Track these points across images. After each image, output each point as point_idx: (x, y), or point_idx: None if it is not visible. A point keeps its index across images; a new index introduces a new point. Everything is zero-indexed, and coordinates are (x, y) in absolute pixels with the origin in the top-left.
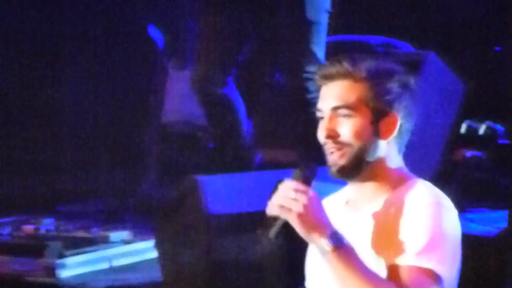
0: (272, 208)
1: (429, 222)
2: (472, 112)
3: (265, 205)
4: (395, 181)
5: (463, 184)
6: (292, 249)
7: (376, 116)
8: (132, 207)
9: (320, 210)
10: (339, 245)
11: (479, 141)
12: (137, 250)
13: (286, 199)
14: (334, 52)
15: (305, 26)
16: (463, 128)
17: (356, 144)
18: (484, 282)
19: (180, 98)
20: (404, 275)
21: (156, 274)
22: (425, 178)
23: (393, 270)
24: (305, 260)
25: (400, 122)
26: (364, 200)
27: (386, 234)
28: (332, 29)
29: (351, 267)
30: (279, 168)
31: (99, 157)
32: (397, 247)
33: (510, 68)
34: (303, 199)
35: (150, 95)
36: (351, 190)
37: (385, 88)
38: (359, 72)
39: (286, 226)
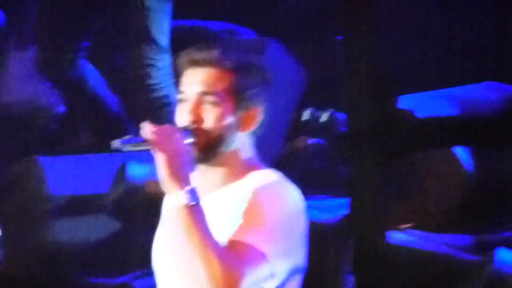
0: (147, 132)
1: (265, 203)
2: (315, 100)
3: (107, 187)
4: (245, 170)
5: (305, 171)
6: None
7: (240, 108)
8: None
9: (187, 165)
10: (195, 203)
11: (321, 129)
12: None
13: (166, 133)
14: (178, 37)
15: (147, 13)
16: (306, 115)
17: (217, 132)
18: (324, 268)
19: (21, 78)
20: (235, 249)
21: None
22: (267, 165)
23: (228, 244)
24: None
25: (259, 115)
26: (212, 186)
27: (228, 218)
28: (175, 14)
29: (199, 227)
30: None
31: None
32: (235, 226)
33: (352, 58)
34: (180, 142)
35: None
36: (200, 174)
37: (251, 82)
38: (228, 62)
39: (143, 148)
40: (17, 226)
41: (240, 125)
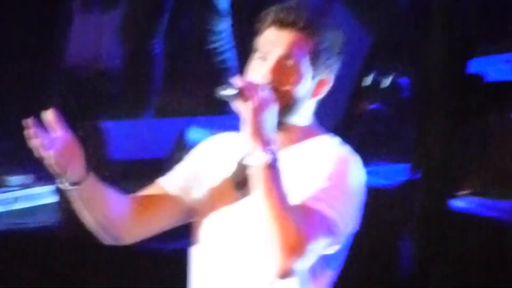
0: (241, 83)
1: (330, 171)
2: (379, 64)
3: (166, 152)
4: (306, 134)
5: (365, 136)
6: None
7: (317, 74)
8: (31, 151)
9: (272, 125)
10: (274, 164)
11: (383, 94)
12: (36, 194)
13: (256, 88)
14: None
15: None
16: (368, 80)
17: (292, 96)
18: (384, 233)
19: (88, 39)
20: (304, 213)
21: (56, 219)
22: (327, 130)
23: (297, 208)
24: None
25: (331, 83)
26: (275, 146)
27: (293, 179)
28: None
29: (277, 188)
30: (180, 116)
31: None
32: (301, 190)
33: (418, 21)
34: (268, 98)
35: (54, 36)
36: None
37: (331, 50)
38: (315, 30)
39: (235, 98)
40: None
41: (313, 91)
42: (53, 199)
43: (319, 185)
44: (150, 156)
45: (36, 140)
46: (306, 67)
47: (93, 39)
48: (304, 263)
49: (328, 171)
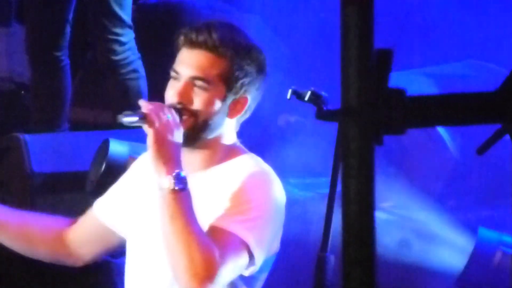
0: (145, 108)
1: (247, 192)
2: (297, 78)
3: (88, 165)
4: (227, 155)
5: (287, 149)
6: None
7: (230, 95)
8: None
9: (178, 148)
10: (182, 188)
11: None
12: None
13: (160, 110)
14: (161, 14)
15: None
16: (288, 94)
17: (203, 117)
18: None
19: (2, 54)
20: (216, 236)
21: None
22: (248, 149)
23: (210, 230)
24: None
25: (249, 103)
26: (192, 168)
27: (210, 201)
28: None
29: (183, 212)
30: (99, 129)
31: None
32: (217, 211)
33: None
34: (175, 123)
35: None
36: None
37: (245, 70)
38: (226, 50)
39: (140, 122)
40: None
41: (228, 111)
42: None
43: (235, 206)
44: (71, 169)
45: None
46: (217, 88)
47: (6, 55)
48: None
49: (245, 192)
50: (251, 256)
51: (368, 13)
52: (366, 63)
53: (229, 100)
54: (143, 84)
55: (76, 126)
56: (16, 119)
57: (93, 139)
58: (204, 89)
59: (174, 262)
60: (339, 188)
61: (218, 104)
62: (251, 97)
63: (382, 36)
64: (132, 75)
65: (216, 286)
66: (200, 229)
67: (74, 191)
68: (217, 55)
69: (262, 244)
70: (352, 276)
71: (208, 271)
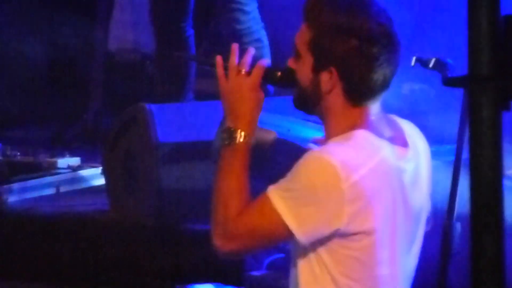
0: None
1: (295, 168)
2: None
3: (213, 134)
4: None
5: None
6: None
7: (318, 66)
8: (79, 134)
9: (256, 106)
10: (227, 144)
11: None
12: (84, 177)
13: (236, 69)
14: None
15: None
16: (412, 62)
17: (299, 83)
18: None
19: (128, 25)
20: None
21: (103, 201)
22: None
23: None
24: None
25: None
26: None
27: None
28: None
29: (221, 167)
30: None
31: (43, 83)
32: None
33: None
34: (250, 81)
35: (96, 21)
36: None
37: (332, 43)
38: (320, 24)
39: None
40: (128, 175)
41: (319, 83)
42: (100, 181)
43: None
44: (197, 139)
45: None
46: (305, 56)
47: (132, 26)
48: (239, 250)
49: (294, 168)
50: (279, 224)
51: None
52: (494, 30)
53: (318, 72)
54: (266, 54)
55: (200, 96)
56: (141, 90)
57: (218, 109)
58: (296, 57)
59: (213, 206)
60: (464, 155)
61: (307, 73)
62: (342, 70)
63: (508, 2)
64: (256, 44)
65: (238, 246)
66: (236, 189)
67: (200, 160)
68: (311, 27)
69: (297, 213)
70: (481, 243)
71: (229, 230)
